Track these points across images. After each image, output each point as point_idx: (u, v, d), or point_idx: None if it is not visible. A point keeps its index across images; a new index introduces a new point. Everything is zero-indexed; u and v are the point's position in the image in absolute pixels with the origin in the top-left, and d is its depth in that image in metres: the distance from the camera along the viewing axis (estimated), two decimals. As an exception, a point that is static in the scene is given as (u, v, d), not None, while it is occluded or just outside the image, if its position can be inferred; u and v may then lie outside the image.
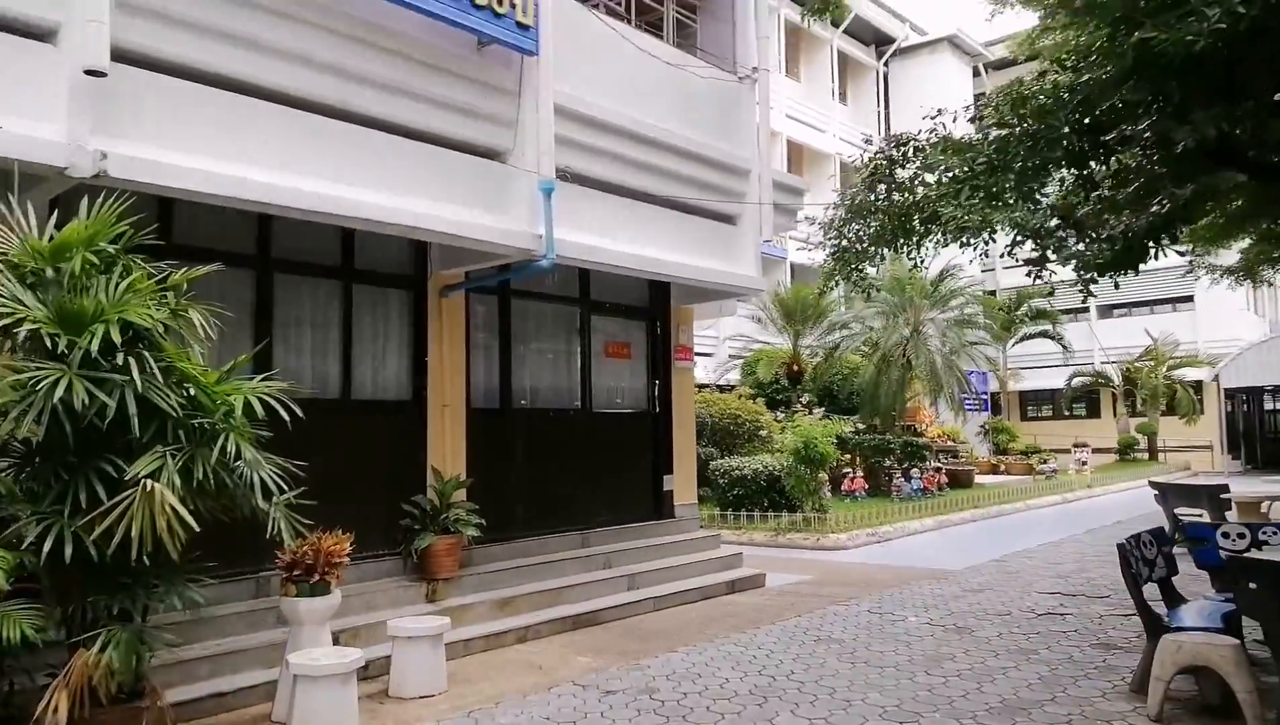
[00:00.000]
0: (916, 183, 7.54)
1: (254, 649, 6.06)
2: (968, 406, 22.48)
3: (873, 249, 7.88)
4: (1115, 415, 32.74)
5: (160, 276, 4.87)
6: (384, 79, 6.47)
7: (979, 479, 21.67)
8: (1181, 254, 18.70)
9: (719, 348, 24.10)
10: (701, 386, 18.44)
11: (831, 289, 9.20)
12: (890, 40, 35.09)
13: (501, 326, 8.72)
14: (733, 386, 21.40)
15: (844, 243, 8.08)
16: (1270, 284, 22.23)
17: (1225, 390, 28.32)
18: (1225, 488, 11.06)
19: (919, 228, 7.50)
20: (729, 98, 9.89)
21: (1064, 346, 29.97)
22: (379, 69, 6.44)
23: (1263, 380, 27.83)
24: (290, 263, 7.09)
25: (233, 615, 6.25)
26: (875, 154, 7.99)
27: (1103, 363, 32.28)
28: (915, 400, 21.55)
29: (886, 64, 35.41)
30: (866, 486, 17.72)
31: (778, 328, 20.43)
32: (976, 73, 36.77)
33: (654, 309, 10.29)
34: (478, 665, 6.66)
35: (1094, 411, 35.49)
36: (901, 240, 7.67)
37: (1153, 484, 11.95)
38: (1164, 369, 29.93)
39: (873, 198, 7.76)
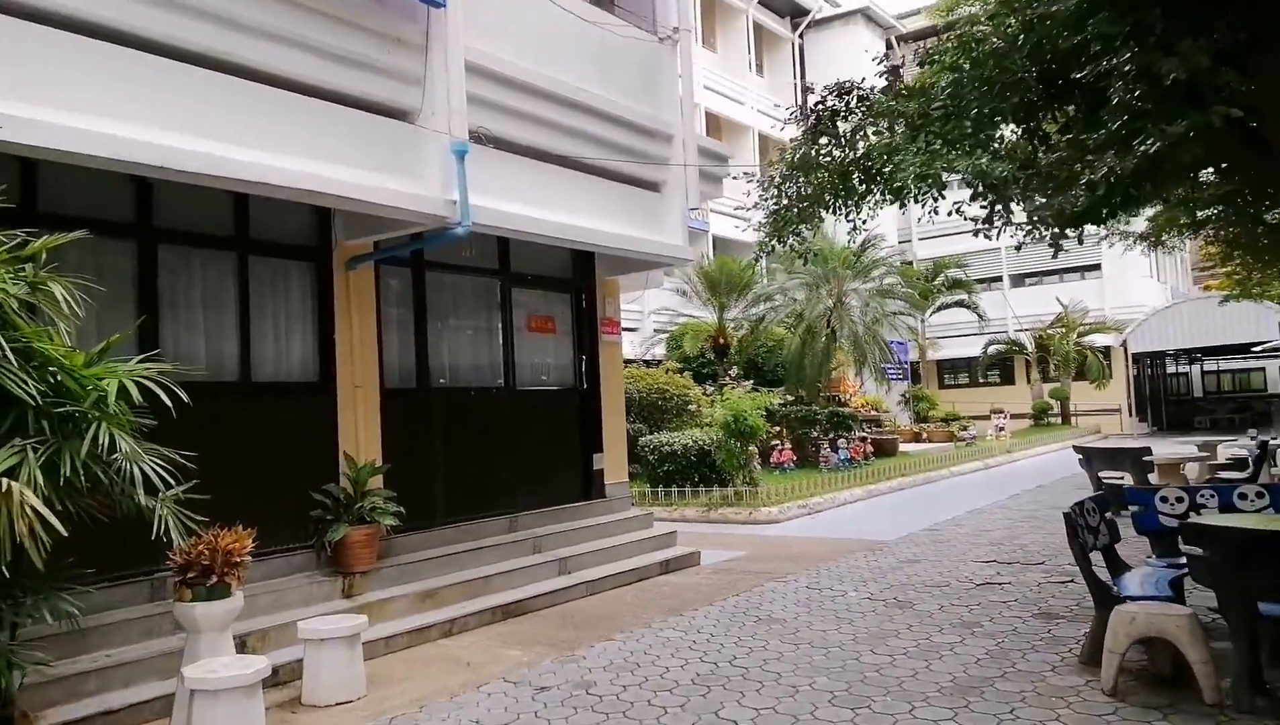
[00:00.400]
0: (858, 137, 7.21)
1: (149, 659, 5.49)
2: (890, 376, 22.68)
3: (811, 210, 7.56)
4: (1030, 382, 33.59)
5: (15, 244, 4.25)
6: (275, 29, 5.86)
7: (903, 447, 21.90)
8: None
9: (644, 322, 23.77)
10: (628, 362, 18.07)
11: (768, 253, 8.87)
12: (805, 12, 35.01)
13: (416, 301, 8.17)
14: (659, 361, 21.11)
15: (784, 202, 7.73)
16: (1174, 250, 22.85)
17: (1133, 355, 29.25)
18: (1147, 450, 11.23)
19: (859, 187, 7.19)
20: (650, 59, 9.47)
21: (979, 315, 30.54)
22: (270, 18, 5.82)
23: (1166, 344, 28.87)
24: (177, 232, 6.43)
25: (124, 623, 5.65)
26: (816, 105, 7.58)
27: (1016, 331, 33.06)
28: (840, 371, 21.61)
29: (802, 36, 35.35)
30: (795, 458, 17.66)
31: (703, 301, 20.17)
32: (890, 45, 37.02)
33: (578, 281, 9.85)
34: (400, 664, 6.20)
35: (1008, 378, 36.39)
36: (842, 199, 7.35)
37: (1077, 448, 12.09)
38: (1074, 335, 30.78)
39: (813, 153, 7.36)
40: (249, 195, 6.66)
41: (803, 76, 35.12)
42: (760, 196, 8.00)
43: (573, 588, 8.12)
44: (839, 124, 7.29)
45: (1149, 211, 17.61)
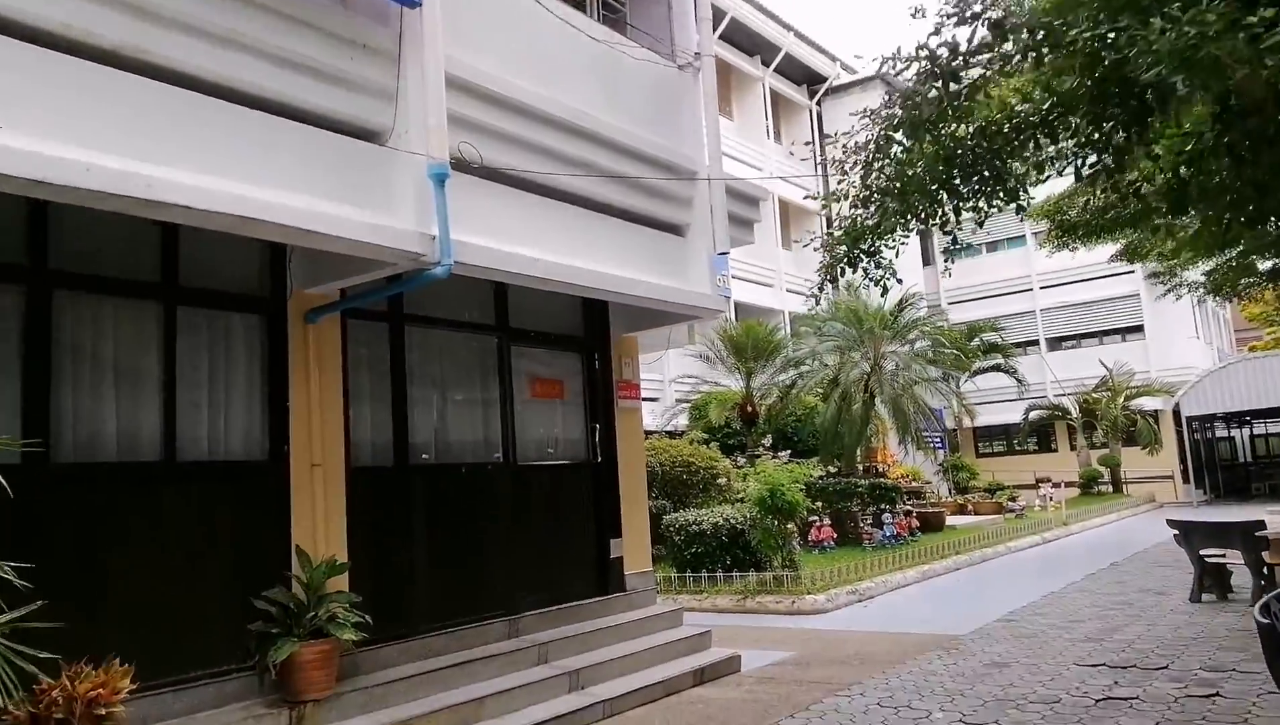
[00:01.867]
0: (977, 96, 5.66)
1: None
2: (933, 443, 21.08)
3: (898, 215, 6.17)
4: (1074, 448, 31.74)
5: None
6: (214, 26, 4.68)
7: (949, 520, 20.15)
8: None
9: (665, 391, 22.39)
10: (648, 433, 16.66)
11: (832, 281, 7.52)
12: (822, 79, 34.43)
13: (394, 361, 6.84)
14: (682, 432, 19.66)
15: (861, 206, 6.32)
16: (1232, 299, 21.22)
17: (1187, 418, 27.46)
18: (1260, 524, 9.59)
19: (972, 178, 5.61)
20: (668, 87, 8.31)
21: (1018, 380, 28.89)
22: (206, 13, 4.65)
23: (1221, 406, 27.10)
24: (80, 276, 5.16)
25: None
26: (918, 49, 5.76)
27: (1057, 396, 31.38)
28: (877, 439, 20.05)
29: (819, 102, 34.70)
30: (835, 536, 16.03)
31: (727, 367, 18.81)
32: (911, 107, 36.29)
33: (590, 339, 8.52)
34: (354, 833, 4.68)
35: (1046, 445, 34.57)
36: (942, 200, 5.93)
37: (1172, 524, 10.43)
38: (1122, 399, 29.06)
39: (929, 105, 5.59)
40: (178, 232, 5.43)
41: (821, 143, 34.35)
42: (836, 184, 6.53)
43: (587, 708, 6.57)
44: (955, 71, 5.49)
45: (1208, 263, 16.29)
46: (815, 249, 7.67)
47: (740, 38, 29.32)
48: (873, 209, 6.15)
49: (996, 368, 29.41)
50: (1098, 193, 12.17)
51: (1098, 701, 6.14)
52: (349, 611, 5.70)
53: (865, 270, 7.00)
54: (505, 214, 6.32)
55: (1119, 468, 29.15)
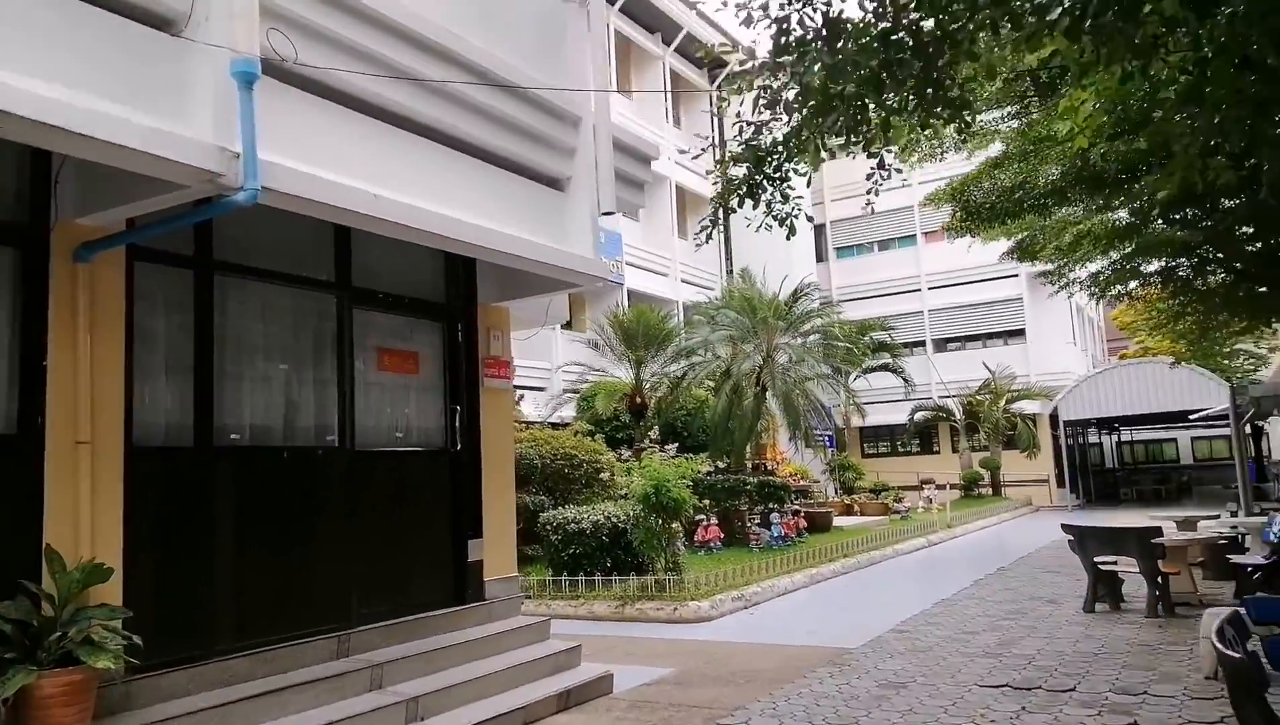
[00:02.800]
0: None
1: None
2: (823, 441, 20.68)
3: (812, 130, 5.28)
4: (956, 450, 32.16)
5: None
6: None
7: (836, 521, 19.76)
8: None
9: (552, 380, 21.31)
10: (529, 424, 15.56)
11: (730, 209, 6.60)
12: (723, 64, 33.89)
13: (200, 318, 5.56)
14: (567, 424, 18.60)
15: (771, 97, 5.40)
16: (1123, 298, 21.46)
17: (1064, 423, 28.03)
18: (1157, 531, 9.22)
19: (912, 81, 4.71)
20: (554, 21, 7.26)
21: (905, 379, 28.97)
22: None
23: (1098, 411, 27.77)
24: None
25: None
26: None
27: (942, 396, 31.72)
28: (768, 436, 19.47)
29: (720, 88, 34.12)
30: (721, 535, 15.29)
31: (616, 356, 17.86)
32: (811, 104, 36.16)
33: (453, 305, 7.39)
34: None
35: (929, 447, 35.02)
36: (867, 110, 5.07)
37: (1067, 529, 10.00)
38: (1003, 402, 29.51)
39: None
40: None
41: (721, 129, 33.79)
42: (753, 81, 5.55)
43: (425, 744, 5.50)
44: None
45: (1099, 261, 16.28)
46: (707, 172, 6.63)
47: (641, 11, 28.41)
48: (782, 112, 5.21)
49: (885, 367, 29.45)
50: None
51: (1011, 733, 5.43)
52: (112, 631, 4.45)
53: (768, 202, 6.09)
54: (340, 139, 5.16)
55: (999, 471, 29.61)
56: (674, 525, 11.84)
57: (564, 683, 6.69)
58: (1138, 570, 9.39)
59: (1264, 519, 11.90)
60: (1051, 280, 18.07)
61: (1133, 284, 15.60)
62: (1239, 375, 33.22)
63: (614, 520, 11.82)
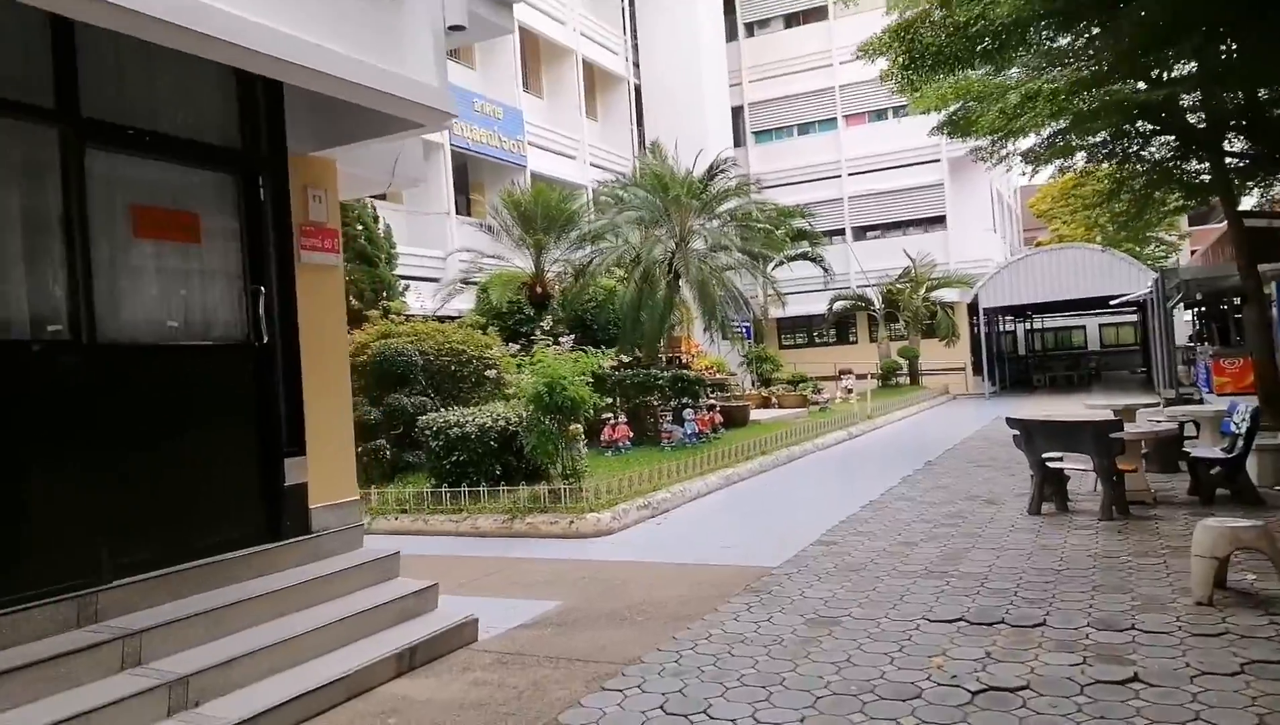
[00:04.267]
0: None
1: None
2: (741, 333, 19.43)
3: None
4: (874, 340, 31.49)
5: None
6: None
7: (753, 415, 18.66)
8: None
9: (446, 269, 19.38)
10: (408, 317, 13.78)
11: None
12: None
13: None
14: (459, 317, 16.82)
15: None
16: (1051, 172, 20.21)
17: (984, 310, 27.41)
18: (1117, 425, 8.12)
19: None
20: None
21: (824, 268, 27.88)
22: None
23: (1016, 299, 27.19)
24: None
25: None
26: None
27: (861, 286, 30.80)
28: (682, 327, 18.08)
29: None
30: (630, 435, 13.96)
31: (514, 240, 16.02)
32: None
33: (253, 152, 5.56)
34: None
35: (846, 337, 34.36)
36: None
37: (1012, 423, 8.85)
38: (923, 290, 28.72)
39: None
40: None
41: (631, 4, 31.27)
42: None
43: (197, 741, 3.99)
44: None
45: (1038, 134, 15.01)
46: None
47: None
48: None
49: (804, 256, 28.27)
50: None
51: (975, 695, 4.17)
52: None
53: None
54: None
55: (917, 360, 29.02)
56: (572, 427, 10.39)
57: (410, 635, 5.23)
58: (1087, 468, 8.37)
59: (1211, 407, 11.08)
60: (984, 156, 16.83)
61: (1078, 157, 14.39)
62: (1152, 261, 33.12)
63: (504, 423, 10.31)
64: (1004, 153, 16.13)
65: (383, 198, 21.28)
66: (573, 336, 11.42)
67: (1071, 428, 8.41)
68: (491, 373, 11.49)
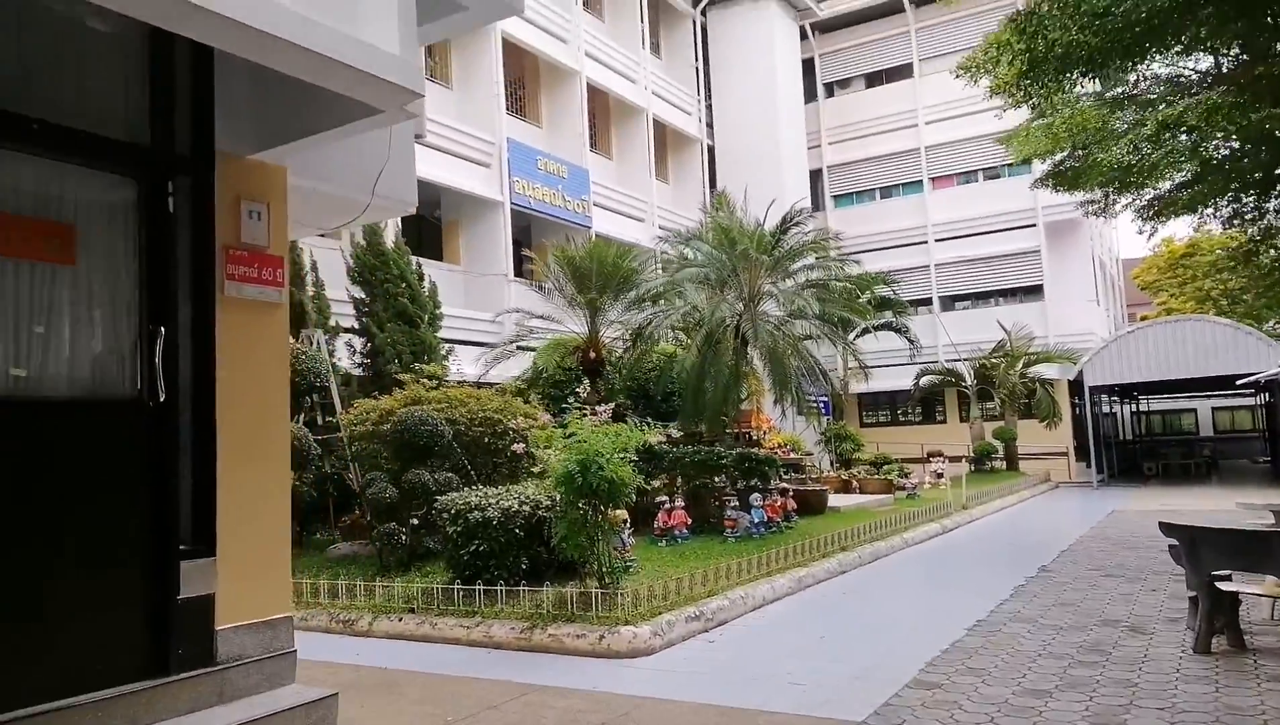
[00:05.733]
0: None
1: None
2: (819, 408, 17.61)
3: None
4: (964, 419, 29.09)
5: None
6: None
7: (831, 500, 16.68)
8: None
9: (502, 331, 18.08)
10: (439, 382, 12.38)
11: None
12: (713, -14, 30.38)
13: None
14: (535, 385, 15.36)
15: None
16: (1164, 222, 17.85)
17: (1090, 389, 24.92)
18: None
19: None
20: None
21: (910, 340, 25.79)
22: None
23: (1127, 377, 24.64)
24: None
25: None
26: None
27: (950, 360, 28.57)
28: (750, 400, 16.34)
29: (704, 13, 30.57)
30: (689, 522, 12.19)
31: (566, 300, 14.66)
32: (804, 35, 32.72)
33: (165, 147, 4.20)
34: None
35: (932, 415, 31.97)
36: None
37: (1171, 530, 6.85)
38: (1020, 365, 26.37)
39: None
40: None
41: (706, 60, 30.36)
42: None
43: None
44: None
45: (1175, 176, 13.06)
46: None
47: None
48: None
49: (888, 326, 26.27)
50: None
51: None
52: None
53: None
54: None
55: (1014, 442, 26.53)
56: (613, 514, 8.73)
57: (324, 834, 3.59)
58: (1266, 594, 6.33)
59: None
60: (1096, 210, 14.94)
61: (1216, 210, 12.40)
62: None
63: (532, 506, 8.72)
64: (1122, 205, 14.26)
65: (438, 257, 20.31)
66: (612, 405, 9.82)
67: (1259, 539, 6.39)
68: (519, 447, 9.94)
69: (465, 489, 9.60)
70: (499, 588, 8.18)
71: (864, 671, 6.34)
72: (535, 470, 9.25)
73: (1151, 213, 14.34)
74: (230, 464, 4.26)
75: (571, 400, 9.30)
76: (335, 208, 5.26)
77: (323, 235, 13.21)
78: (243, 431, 4.35)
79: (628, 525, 9.88)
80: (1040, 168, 17.22)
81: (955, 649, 6.87)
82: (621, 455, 8.16)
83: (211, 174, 4.32)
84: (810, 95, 32.98)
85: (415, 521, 9.97)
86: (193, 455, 4.16)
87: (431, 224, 21.73)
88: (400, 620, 8.27)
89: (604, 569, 8.22)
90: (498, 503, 8.75)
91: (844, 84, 33.85)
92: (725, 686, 6.18)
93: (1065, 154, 14.13)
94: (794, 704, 5.66)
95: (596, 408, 9.07)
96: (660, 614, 7.68)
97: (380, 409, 11.02)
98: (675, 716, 5.56)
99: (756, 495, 12.68)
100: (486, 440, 10.98)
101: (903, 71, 32.36)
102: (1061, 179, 14.58)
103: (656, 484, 12.43)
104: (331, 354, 14.01)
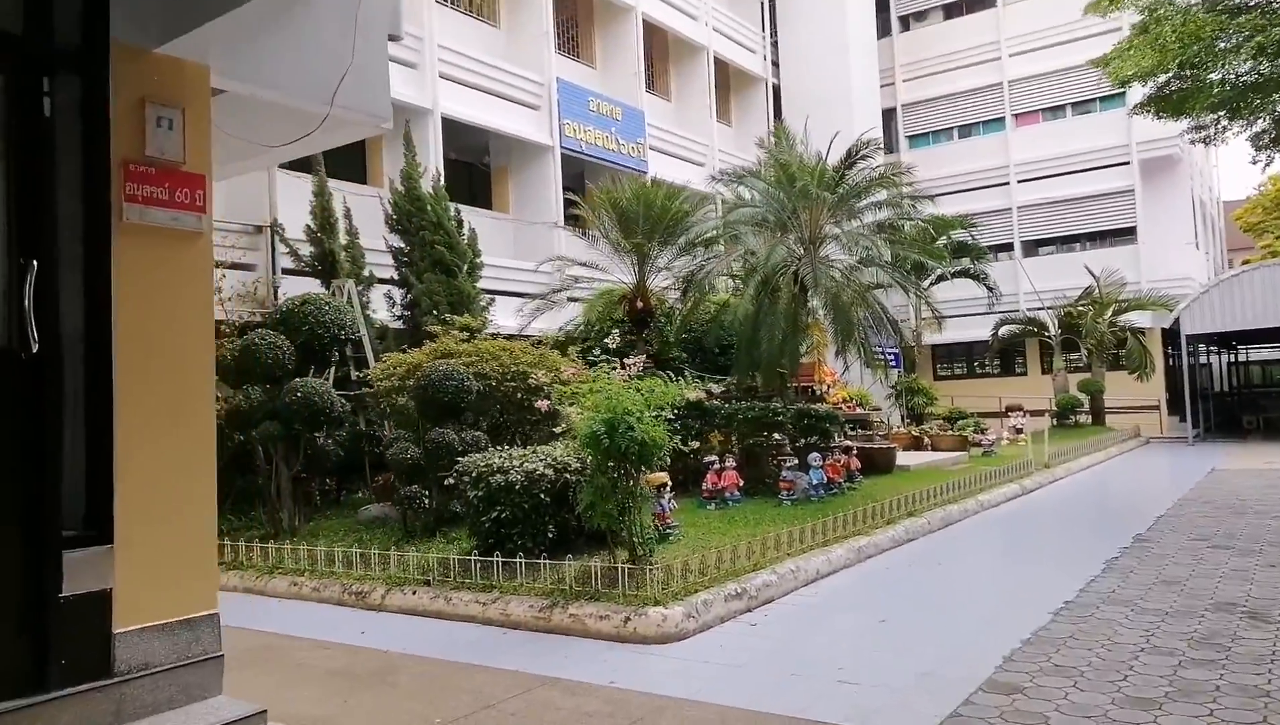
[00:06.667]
0: None
1: None
2: (889, 361, 16.41)
3: None
4: (1046, 371, 27.40)
5: None
6: None
7: (900, 459, 15.54)
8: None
9: (548, 282, 17.22)
10: (471, 334, 11.57)
11: None
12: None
13: None
14: (574, 339, 14.51)
15: None
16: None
17: (1187, 338, 23.03)
18: None
19: None
20: None
21: (989, 287, 24.15)
22: None
23: (1229, 324, 22.66)
24: None
25: None
26: None
27: (1033, 308, 26.81)
28: (813, 352, 15.22)
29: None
30: (741, 483, 11.25)
31: (612, 246, 13.68)
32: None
33: (41, 34, 3.37)
34: None
35: (1011, 367, 30.25)
36: None
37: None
38: (1109, 313, 24.54)
39: None
40: None
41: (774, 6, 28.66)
42: None
43: None
44: None
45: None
46: None
47: None
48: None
49: (965, 273, 24.69)
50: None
51: None
52: None
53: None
54: None
55: (1101, 395, 24.82)
56: (648, 478, 7.86)
57: None
58: None
59: None
60: (1206, 138, 13.36)
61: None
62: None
63: (558, 469, 7.89)
64: (1233, 131, 12.68)
65: (487, 206, 19.50)
66: (642, 357, 8.89)
67: None
68: (543, 404, 9.09)
69: (492, 449, 8.83)
70: (518, 560, 7.39)
71: (930, 668, 5.37)
72: (557, 430, 8.39)
73: (1268, 140, 12.72)
74: (134, 432, 3.48)
75: (597, 351, 8.35)
76: (283, 120, 4.39)
77: (289, 167, 12.37)
78: (152, 392, 3.57)
79: (668, 489, 9.03)
80: (1140, 94, 15.51)
81: (1039, 639, 5.85)
82: (657, 413, 7.26)
83: (105, 70, 3.48)
84: (883, 30, 31.03)
85: (443, 483, 9.26)
86: (85, 421, 3.38)
87: (482, 172, 20.93)
88: (414, 594, 7.56)
89: (636, 539, 7.36)
90: (521, 465, 7.94)
91: (920, 16, 31.77)
92: (762, 684, 5.28)
93: (1170, 75, 12.55)
94: (843, 711, 4.74)
95: (625, 360, 8.15)
96: (696, 592, 6.80)
97: (407, 363, 10.30)
98: (702, 721, 4.69)
99: (815, 454, 11.66)
100: (520, 396, 10.19)
101: (985, 1, 30.18)
102: (1165, 104, 13.01)
103: (704, 443, 11.50)
104: (367, 305, 13.37)
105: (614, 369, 7.90)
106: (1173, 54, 10.59)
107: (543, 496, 7.83)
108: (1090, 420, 24.88)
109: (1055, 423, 24.21)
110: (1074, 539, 10.13)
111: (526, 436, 9.83)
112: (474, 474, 8.12)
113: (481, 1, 19.94)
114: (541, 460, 8.02)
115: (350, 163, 17.49)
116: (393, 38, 4.87)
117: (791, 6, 28.49)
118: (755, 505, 10.91)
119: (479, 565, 7.58)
